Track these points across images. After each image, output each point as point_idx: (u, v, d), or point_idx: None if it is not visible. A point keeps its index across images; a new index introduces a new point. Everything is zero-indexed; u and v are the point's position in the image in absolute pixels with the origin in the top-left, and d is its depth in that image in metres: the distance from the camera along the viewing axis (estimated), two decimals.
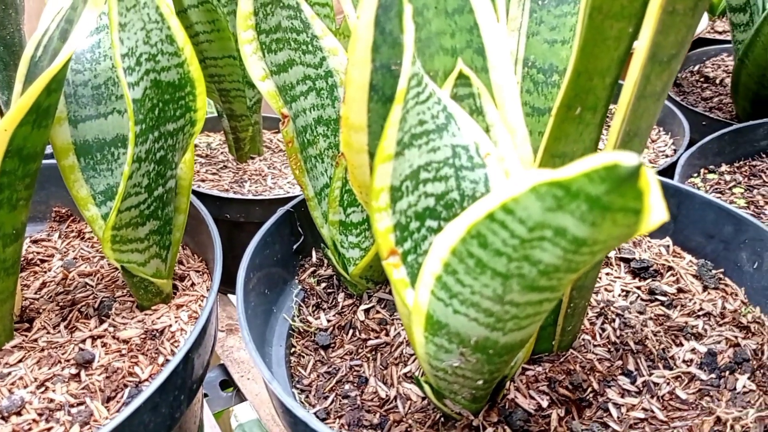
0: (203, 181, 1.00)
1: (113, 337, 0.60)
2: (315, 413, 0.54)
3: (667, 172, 0.90)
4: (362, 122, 0.42)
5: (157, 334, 0.61)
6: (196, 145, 1.12)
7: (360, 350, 0.60)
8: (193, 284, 0.68)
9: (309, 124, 0.62)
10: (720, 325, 0.60)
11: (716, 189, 0.86)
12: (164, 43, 0.51)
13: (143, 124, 0.51)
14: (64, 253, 0.74)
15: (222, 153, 1.10)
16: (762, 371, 0.56)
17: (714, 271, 0.65)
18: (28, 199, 0.53)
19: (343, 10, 0.58)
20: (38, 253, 0.74)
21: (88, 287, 0.67)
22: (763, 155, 0.93)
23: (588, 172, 0.24)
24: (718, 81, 1.22)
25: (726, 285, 0.64)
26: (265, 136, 1.14)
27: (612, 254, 0.68)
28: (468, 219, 0.30)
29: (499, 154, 0.44)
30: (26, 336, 0.61)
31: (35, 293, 0.67)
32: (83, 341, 0.60)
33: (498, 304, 0.34)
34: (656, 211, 0.24)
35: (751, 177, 0.88)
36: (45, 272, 0.70)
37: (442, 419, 0.52)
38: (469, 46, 0.45)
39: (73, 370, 0.57)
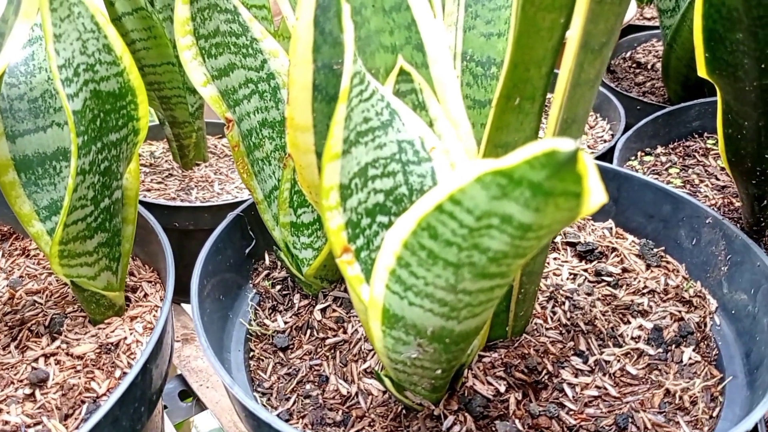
0: (149, 190, 0.98)
1: (67, 354, 0.59)
2: (278, 415, 0.54)
3: (606, 156, 0.92)
4: (308, 122, 0.42)
5: (113, 348, 0.60)
6: (139, 155, 1.10)
7: (319, 349, 0.60)
8: (146, 295, 0.67)
9: (254, 127, 0.62)
10: (664, 301, 0.62)
11: (653, 170, 0.89)
12: (102, 53, 0.51)
13: (85, 135, 0.50)
14: (9, 272, 0.72)
15: (166, 161, 1.08)
16: (706, 342, 0.58)
17: (655, 250, 0.68)
18: None
19: (280, 11, 0.58)
20: None
21: (36, 305, 0.66)
22: (696, 135, 0.96)
23: (529, 159, 0.25)
24: (649, 66, 1.26)
25: (668, 262, 0.67)
26: (209, 142, 1.13)
27: (558, 239, 0.70)
28: (418, 212, 0.31)
29: (444, 147, 0.45)
30: None
31: None
32: (36, 360, 0.59)
33: (451, 293, 0.35)
34: (596, 194, 0.25)
35: (685, 157, 0.91)
36: None
37: (404, 411, 0.53)
38: (409, 43, 0.46)
39: (27, 390, 0.56)
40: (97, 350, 0.60)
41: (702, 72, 0.55)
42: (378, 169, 0.43)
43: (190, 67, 0.59)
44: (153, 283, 0.69)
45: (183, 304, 1.03)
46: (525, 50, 0.40)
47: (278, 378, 0.59)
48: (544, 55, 0.41)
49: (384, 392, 0.55)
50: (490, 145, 0.45)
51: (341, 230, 0.41)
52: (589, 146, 1.03)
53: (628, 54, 1.33)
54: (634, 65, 1.28)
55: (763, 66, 0.50)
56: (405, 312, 0.37)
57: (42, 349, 0.60)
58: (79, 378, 0.57)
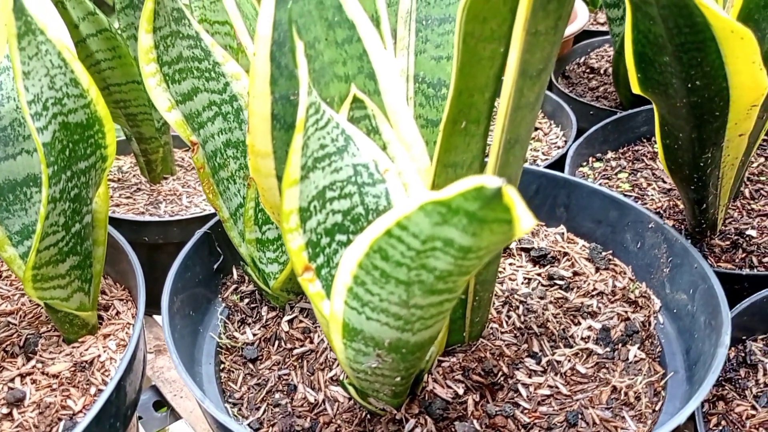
0: (117, 205, 1.00)
1: (42, 373, 0.61)
2: (248, 424, 0.57)
3: (560, 162, 0.96)
4: (267, 149, 0.45)
5: (87, 366, 0.62)
6: None
7: (287, 360, 0.63)
8: (118, 313, 0.69)
9: (218, 148, 0.64)
10: (612, 303, 0.66)
11: (604, 175, 0.93)
12: (69, 87, 0.53)
13: (55, 165, 0.52)
14: None
15: (134, 176, 1.10)
16: (650, 341, 0.62)
17: (604, 253, 0.72)
18: None
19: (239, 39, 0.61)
20: None
21: (10, 326, 0.68)
22: (644, 140, 1.01)
23: (463, 192, 0.28)
24: (602, 71, 1.30)
25: (615, 265, 0.71)
26: (176, 155, 1.15)
27: (513, 245, 0.74)
28: (370, 235, 0.33)
29: (398, 169, 0.48)
30: None
31: None
32: (12, 380, 0.61)
33: (404, 308, 0.38)
34: (525, 220, 0.28)
35: (634, 161, 0.95)
36: None
37: (368, 416, 0.56)
38: (361, 72, 0.49)
39: (5, 410, 0.58)
40: (72, 368, 0.62)
41: (636, 90, 0.59)
42: (335, 192, 0.45)
43: (155, 93, 0.61)
44: (124, 300, 0.71)
45: (155, 316, 1.04)
46: (468, 78, 0.44)
47: (248, 388, 0.61)
48: (487, 82, 0.44)
49: (349, 399, 0.58)
50: (440, 165, 0.48)
51: (302, 250, 0.44)
52: (543, 153, 1.07)
53: (582, 59, 1.37)
54: (587, 70, 1.33)
55: (689, 86, 0.54)
56: (363, 325, 0.40)
57: (18, 369, 0.62)
58: (56, 396, 0.59)
